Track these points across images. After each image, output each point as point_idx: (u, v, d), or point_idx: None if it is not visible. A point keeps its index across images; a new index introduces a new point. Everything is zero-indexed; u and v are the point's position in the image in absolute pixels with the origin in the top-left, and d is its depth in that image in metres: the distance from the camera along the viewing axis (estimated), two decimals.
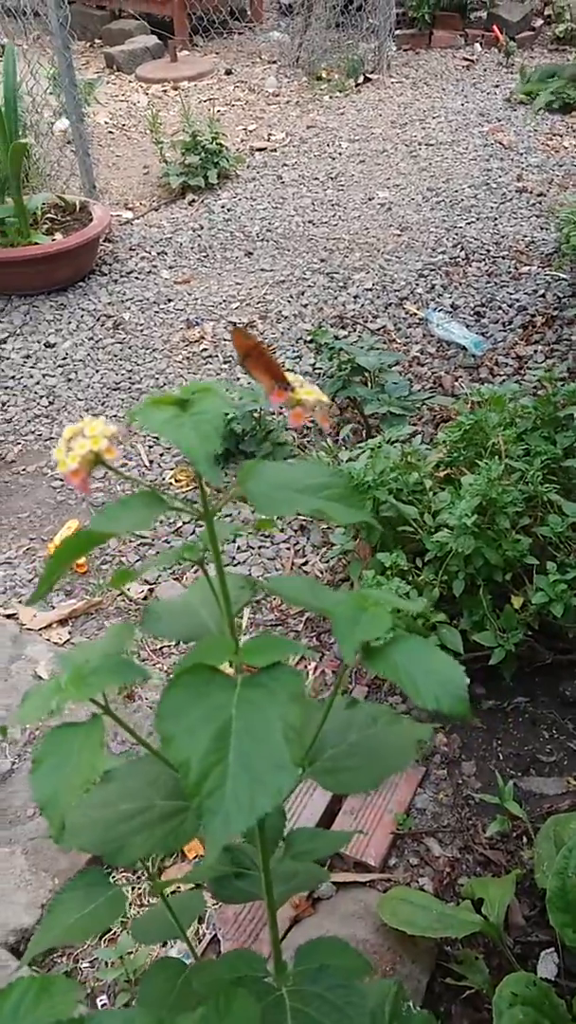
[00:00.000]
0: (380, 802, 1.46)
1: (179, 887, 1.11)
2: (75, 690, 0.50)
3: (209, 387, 0.48)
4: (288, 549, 2.02)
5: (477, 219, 3.41)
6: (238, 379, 2.57)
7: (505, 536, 1.53)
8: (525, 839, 1.43)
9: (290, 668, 0.50)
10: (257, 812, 0.44)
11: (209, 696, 0.49)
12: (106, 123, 4.64)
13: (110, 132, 4.55)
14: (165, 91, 5.08)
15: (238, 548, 2.02)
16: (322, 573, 1.95)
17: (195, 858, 1.36)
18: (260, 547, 2.03)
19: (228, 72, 5.32)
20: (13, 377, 2.63)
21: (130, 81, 5.25)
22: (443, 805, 1.48)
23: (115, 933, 1.29)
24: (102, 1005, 1.23)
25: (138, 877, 1.32)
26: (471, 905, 1.26)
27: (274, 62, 5.42)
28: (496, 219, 3.40)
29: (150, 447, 2.35)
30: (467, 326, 2.73)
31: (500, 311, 2.82)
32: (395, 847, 1.43)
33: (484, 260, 3.12)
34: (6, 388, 2.60)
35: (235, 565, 1.98)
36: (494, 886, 1.27)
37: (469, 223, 3.38)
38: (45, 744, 0.51)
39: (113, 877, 1.30)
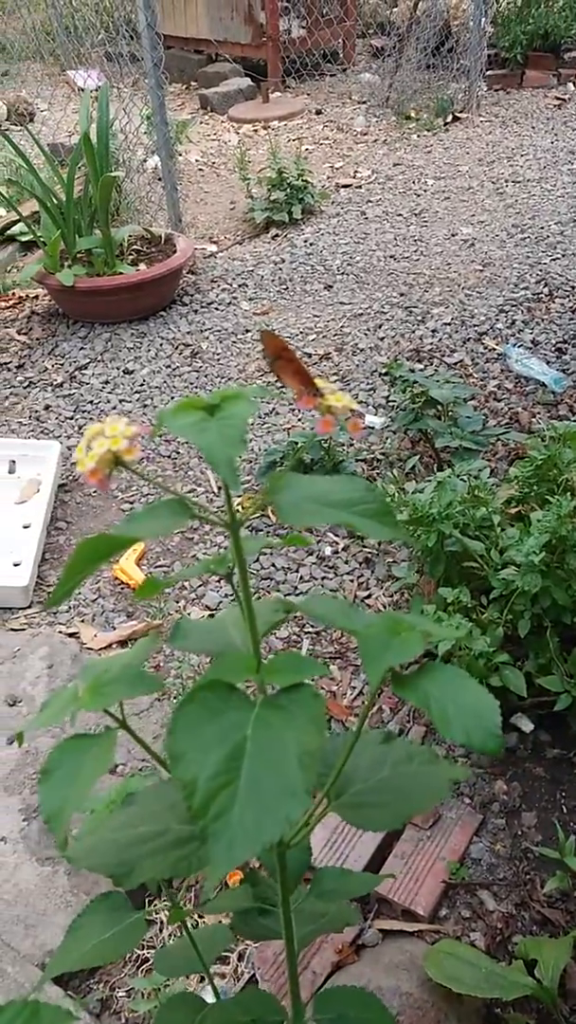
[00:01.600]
0: (433, 849, 1.40)
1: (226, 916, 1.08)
2: (91, 700, 0.49)
3: (239, 393, 0.47)
4: (352, 581, 1.98)
5: (563, 255, 3.35)
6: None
7: None
8: None
9: (312, 690, 0.47)
10: (264, 840, 0.42)
11: (225, 714, 0.46)
12: (197, 161, 4.77)
13: (200, 169, 4.67)
14: (256, 131, 5.20)
15: (300, 578, 2.00)
16: (384, 607, 1.91)
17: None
18: (323, 578, 2.00)
19: (318, 112, 5.41)
20: (91, 402, 2.69)
21: (223, 121, 5.40)
22: (500, 856, 1.41)
23: (152, 963, 1.27)
24: None
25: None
26: (523, 966, 1.18)
27: (364, 102, 5.49)
28: None
29: None
30: (547, 362, 2.67)
31: None
32: (446, 897, 1.36)
33: (568, 296, 3.05)
34: (84, 412, 2.66)
35: (296, 595, 1.96)
36: (549, 947, 1.20)
37: (554, 259, 3.32)
38: (55, 756, 0.49)
39: (154, 903, 1.28)
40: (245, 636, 0.55)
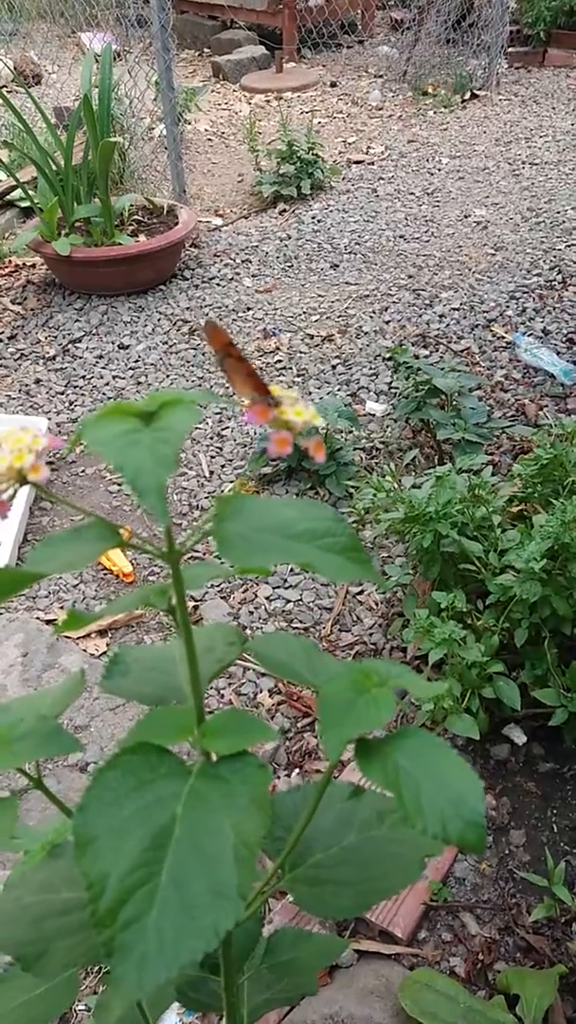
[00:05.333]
0: None
1: None
2: None
3: (180, 398, 0.38)
4: None
5: None
6: (310, 394, 2.48)
7: None
8: (575, 926, 1.27)
9: (258, 761, 0.39)
10: (182, 959, 0.34)
11: (153, 785, 0.38)
12: (206, 130, 4.64)
13: (209, 140, 4.54)
14: (268, 101, 5.05)
15: (291, 571, 1.92)
16: (377, 605, 1.83)
17: None
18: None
19: (333, 84, 5.26)
20: (83, 376, 2.60)
21: (234, 90, 5.25)
22: (485, 877, 1.34)
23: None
24: None
25: None
26: (504, 1002, 1.11)
27: (380, 76, 5.34)
28: None
29: (212, 457, 2.27)
30: (558, 353, 2.57)
31: None
32: (427, 918, 1.29)
33: None
34: (76, 387, 2.57)
35: (286, 588, 1.88)
36: (533, 981, 1.13)
37: (569, 246, 3.21)
38: None
39: None
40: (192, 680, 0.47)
